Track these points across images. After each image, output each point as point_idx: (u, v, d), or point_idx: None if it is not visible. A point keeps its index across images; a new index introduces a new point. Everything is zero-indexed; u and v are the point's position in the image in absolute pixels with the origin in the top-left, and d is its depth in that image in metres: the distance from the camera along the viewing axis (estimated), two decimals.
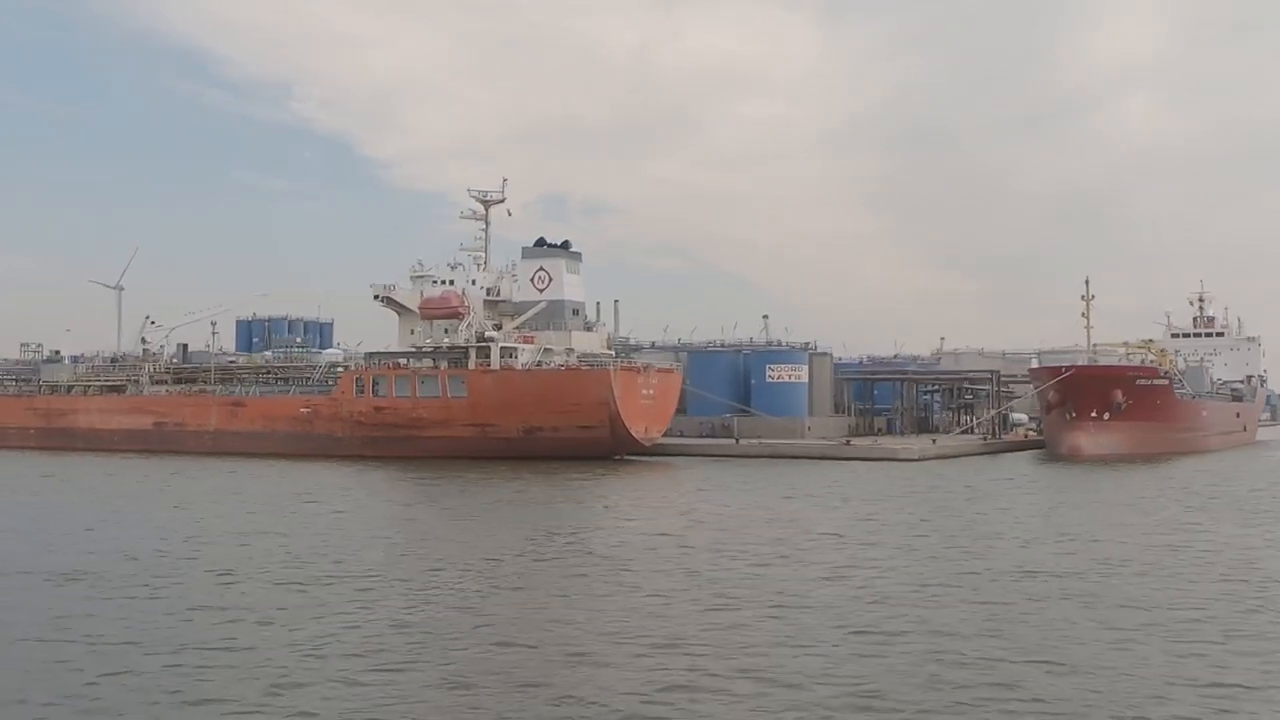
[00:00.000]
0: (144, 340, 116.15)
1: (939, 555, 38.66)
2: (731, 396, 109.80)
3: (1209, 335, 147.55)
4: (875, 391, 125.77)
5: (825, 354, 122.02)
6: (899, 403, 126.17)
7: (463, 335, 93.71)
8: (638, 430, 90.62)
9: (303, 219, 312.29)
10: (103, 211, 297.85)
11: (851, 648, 24.79)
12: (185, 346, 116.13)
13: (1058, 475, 79.45)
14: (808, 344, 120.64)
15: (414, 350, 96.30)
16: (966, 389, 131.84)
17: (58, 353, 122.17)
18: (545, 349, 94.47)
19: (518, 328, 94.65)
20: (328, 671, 22.72)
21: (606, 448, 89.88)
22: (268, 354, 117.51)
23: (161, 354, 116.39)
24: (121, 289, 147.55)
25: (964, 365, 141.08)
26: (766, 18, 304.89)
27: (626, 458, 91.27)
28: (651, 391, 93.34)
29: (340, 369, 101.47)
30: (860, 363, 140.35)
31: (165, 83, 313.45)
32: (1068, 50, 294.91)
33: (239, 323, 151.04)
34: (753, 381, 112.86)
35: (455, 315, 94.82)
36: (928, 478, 74.53)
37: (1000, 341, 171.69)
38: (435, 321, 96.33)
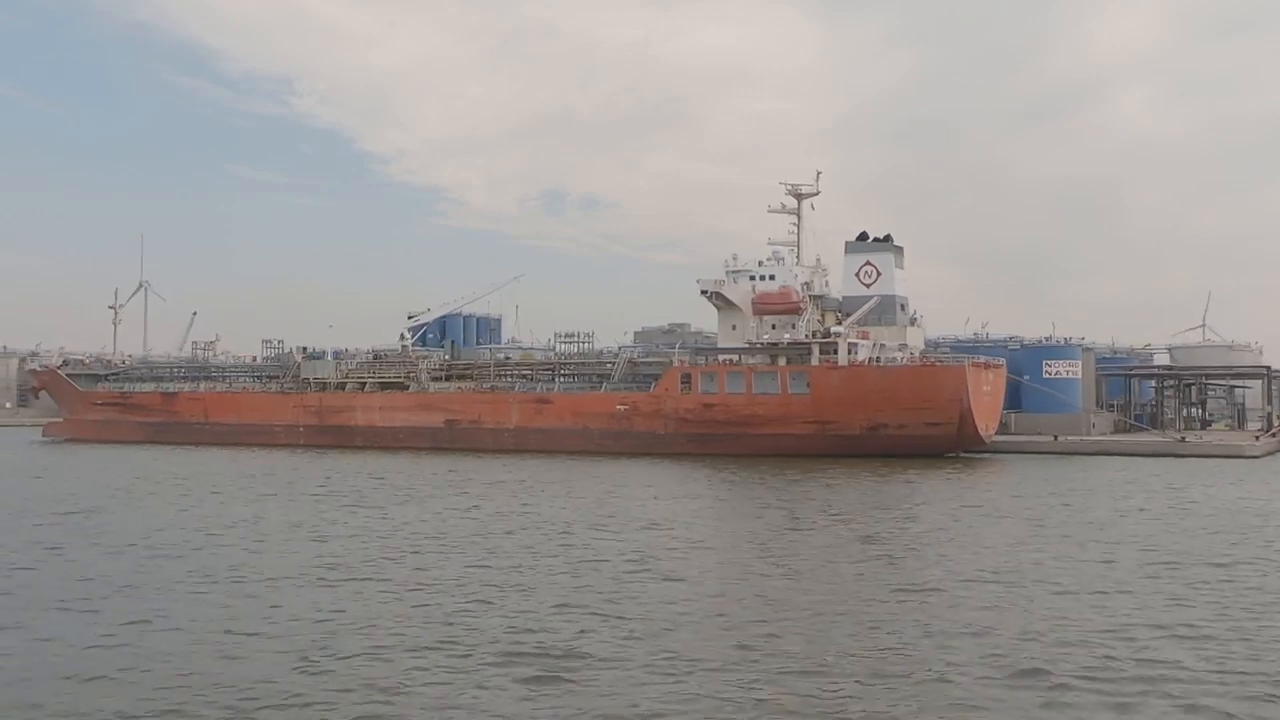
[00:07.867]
0: (403, 336, 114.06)
1: None
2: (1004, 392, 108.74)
3: None
4: (1129, 387, 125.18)
5: (1090, 349, 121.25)
6: (1131, 398, 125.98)
7: (802, 331, 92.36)
8: (981, 427, 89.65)
9: (298, 213, 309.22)
10: (97, 206, 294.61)
11: None
12: (454, 343, 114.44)
13: None
14: (1082, 340, 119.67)
15: (746, 346, 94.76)
16: (1207, 385, 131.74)
17: (305, 349, 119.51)
18: (880, 345, 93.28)
19: (854, 323, 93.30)
20: None
21: (952, 445, 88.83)
22: (512, 346, 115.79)
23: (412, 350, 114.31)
24: (147, 284, 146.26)
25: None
26: (766, 13, 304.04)
27: (964, 455, 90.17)
28: (989, 388, 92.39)
29: (646, 363, 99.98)
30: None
31: (164, 77, 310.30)
32: (1066, 44, 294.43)
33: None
34: (1025, 376, 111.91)
35: (794, 311, 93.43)
36: None
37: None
38: (765, 317, 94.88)
